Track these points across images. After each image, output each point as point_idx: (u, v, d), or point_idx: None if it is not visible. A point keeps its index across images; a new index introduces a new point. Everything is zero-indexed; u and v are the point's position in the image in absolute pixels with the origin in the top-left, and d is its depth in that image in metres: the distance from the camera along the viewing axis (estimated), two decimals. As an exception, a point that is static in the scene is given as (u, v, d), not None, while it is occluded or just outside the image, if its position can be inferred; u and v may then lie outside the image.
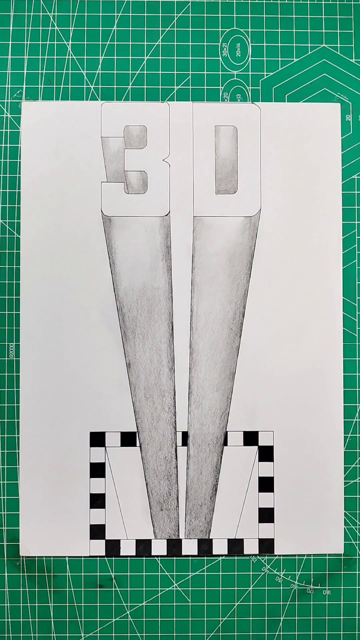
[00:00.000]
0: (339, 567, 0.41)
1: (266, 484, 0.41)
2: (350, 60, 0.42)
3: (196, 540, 0.41)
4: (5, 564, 0.41)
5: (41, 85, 0.42)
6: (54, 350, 0.41)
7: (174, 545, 0.41)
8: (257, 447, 0.41)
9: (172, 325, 0.41)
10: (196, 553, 0.41)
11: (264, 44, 0.42)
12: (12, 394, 0.41)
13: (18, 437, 0.41)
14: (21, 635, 0.41)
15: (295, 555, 0.41)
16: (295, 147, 0.42)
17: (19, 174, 0.41)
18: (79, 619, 0.41)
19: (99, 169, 0.41)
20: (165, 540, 0.41)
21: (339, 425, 0.41)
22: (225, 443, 0.41)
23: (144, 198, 0.41)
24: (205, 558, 0.41)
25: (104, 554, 0.41)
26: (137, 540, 0.41)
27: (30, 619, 0.41)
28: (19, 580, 0.41)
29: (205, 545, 0.41)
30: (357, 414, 0.42)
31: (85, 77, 0.42)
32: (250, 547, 0.41)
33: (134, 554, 0.41)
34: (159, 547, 0.41)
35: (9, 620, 0.41)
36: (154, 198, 0.41)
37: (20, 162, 0.41)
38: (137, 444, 0.41)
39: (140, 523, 0.41)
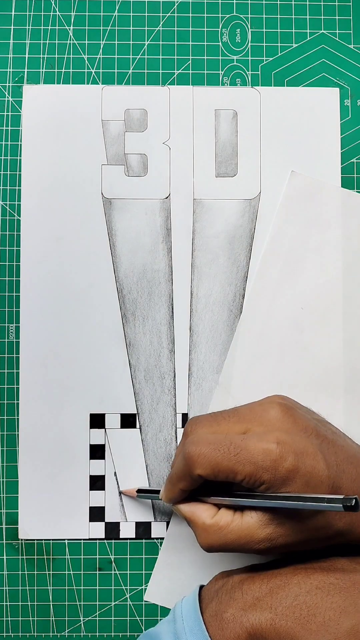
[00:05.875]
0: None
1: (266, 466, 0.41)
2: (349, 46, 0.43)
3: (196, 522, 0.41)
4: (4, 547, 0.41)
5: (43, 69, 0.42)
6: (54, 332, 0.41)
7: (174, 528, 0.41)
8: (257, 429, 0.41)
9: (172, 307, 0.41)
10: (196, 535, 0.41)
11: (264, 30, 0.43)
12: (12, 376, 0.41)
13: (18, 419, 0.41)
14: (20, 619, 0.41)
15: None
16: (294, 131, 0.42)
17: (20, 156, 0.41)
18: (78, 603, 0.41)
19: (100, 152, 0.42)
20: (165, 523, 0.41)
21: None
22: (225, 425, 0.41)
23: (144, 181, 0.42)
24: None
25: (103, 537, 0.41)
26: (136, 523, 0.41)
27: (29, 603, 0.41)
28: (17, 563, 0.41)
29: (205, 528, 0.41)
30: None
31: (86, 61, 0.42)
32: (250, 530, 0.41)
33: (134, 537, 0.41)
34: (159, 530, 0.41)
35: (8, 603, 0.41)
36: (154, 181, 0.42)
37: (21, 144, 0.41)
38: (137, 425, 0.41)
39: (139, 505, 0.41)
